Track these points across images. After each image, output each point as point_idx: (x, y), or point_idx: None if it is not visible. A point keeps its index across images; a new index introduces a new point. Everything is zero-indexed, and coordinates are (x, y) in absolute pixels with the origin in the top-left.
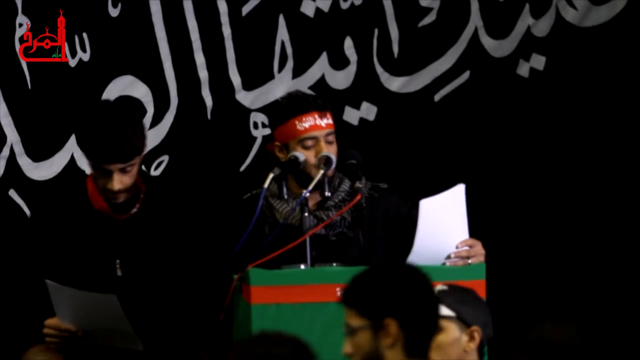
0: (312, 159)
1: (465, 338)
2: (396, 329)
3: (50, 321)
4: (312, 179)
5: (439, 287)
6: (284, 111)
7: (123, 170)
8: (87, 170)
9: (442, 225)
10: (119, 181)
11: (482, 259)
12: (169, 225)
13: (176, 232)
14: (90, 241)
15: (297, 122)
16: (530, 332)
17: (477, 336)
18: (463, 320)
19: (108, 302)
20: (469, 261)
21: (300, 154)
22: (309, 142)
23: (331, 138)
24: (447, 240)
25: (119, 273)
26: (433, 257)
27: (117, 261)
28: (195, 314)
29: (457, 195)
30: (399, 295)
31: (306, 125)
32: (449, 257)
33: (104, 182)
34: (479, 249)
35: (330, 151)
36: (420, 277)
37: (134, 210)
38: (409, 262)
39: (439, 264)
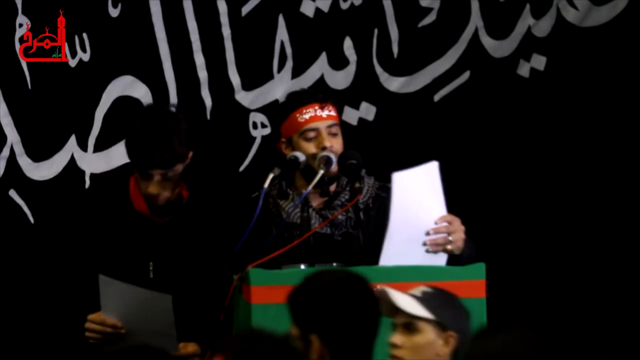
0: (314, 150)
1: (440, 342)
2: (319, 345)
3: (94, 316)
4: (316, 172)
5: (423, 288)
6: (285, 106)
7: (164, 176)
8: (89, 170)
9: (418, 199)
10: (159, 186)
11: (462, 235)
12: (205, 233)
13: (212, 239)
14: (128, 241)
15: (297, 115)
16: (480, 346)
17: (452, 341)
18: (440, 324)
19: (161, 302)
20: (450, 238)
21: (300, 154)
22: (311, 134)
23: (334, 130)
24: (424, 215)
25: (151, 275)
26: (411, 232)
27: (151, 263)
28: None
29: (430, 171)
30: (323, 313)
31: (306, 116)
32: (428, 233)
33: (145, 186)
34: (458, 225)
35: (334, 144)
36: (354, 291)
37: (174, 215)
38: (387, 238)
39: (418, 240)
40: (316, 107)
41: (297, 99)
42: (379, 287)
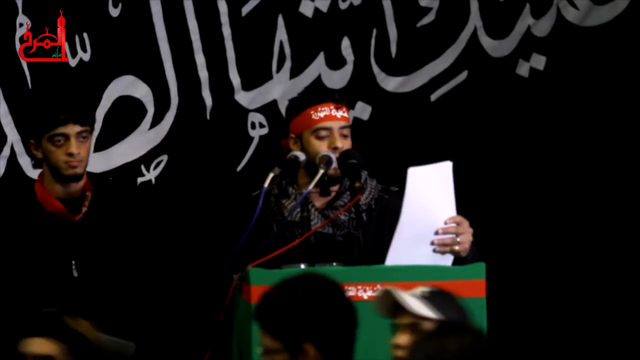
0: (324, 149)
1: None
2: (315, 353)
3: None
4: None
5: (422, 288)
6: (300, 102)
7: (79, 137)
8: (89, 170)
9: (430, 197)
10: (77, 146)
11: (470, 237)
12: (123, 225)
13: (132, 231)
14: (45, 244)
15: (312, 112)
16: (423, 344)
17: None
18: None
19: None
20: (458, 239)
21: (300, 154)
22: (323, 133)
23: (346, 132)
24: (434, 214)
25: (75, 274)
26: (420, 230)
27: (73, 262)
28: (157, 312)
29: (444, 170)
30: (315, 319)
31: (321, 115)
32: (437, 232)
33: (63, 151)
34: (466, 226)
35: (345, 145)
36: (334, 292)
37: (84, 209)
38: (398, 232)
39: (426, 238)
40: (332, 107)
41: (313, 96)
42: (379, 287)
